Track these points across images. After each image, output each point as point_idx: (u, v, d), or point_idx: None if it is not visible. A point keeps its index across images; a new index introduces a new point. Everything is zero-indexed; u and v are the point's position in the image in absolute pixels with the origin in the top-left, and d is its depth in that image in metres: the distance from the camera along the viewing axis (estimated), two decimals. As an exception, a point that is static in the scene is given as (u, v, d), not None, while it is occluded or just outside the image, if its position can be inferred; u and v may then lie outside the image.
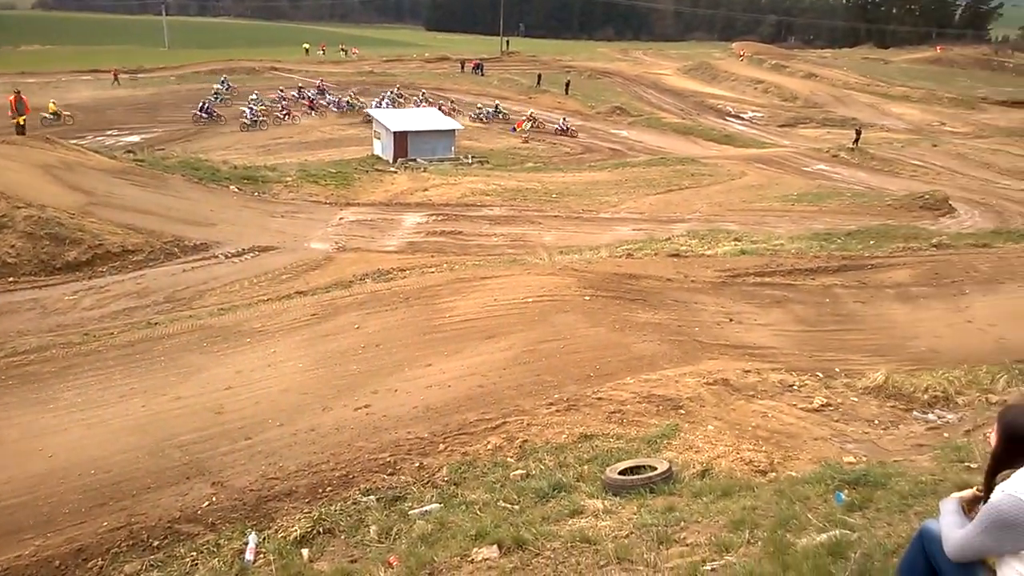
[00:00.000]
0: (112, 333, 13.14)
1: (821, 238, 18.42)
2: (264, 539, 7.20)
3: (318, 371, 10.98)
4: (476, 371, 10.72)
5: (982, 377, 9.77)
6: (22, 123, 24.96)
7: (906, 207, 24.88)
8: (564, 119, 45.19)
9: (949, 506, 3.20)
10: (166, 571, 6.94)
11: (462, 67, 69.39)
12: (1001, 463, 2.95)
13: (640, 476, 7.24)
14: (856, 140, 40.71)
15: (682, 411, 9.26)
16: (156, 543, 7.46)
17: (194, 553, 7.20)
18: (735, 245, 17.23)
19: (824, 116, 56.52)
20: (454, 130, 35.96)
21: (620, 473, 7.36)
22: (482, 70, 67.29)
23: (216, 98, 47.09)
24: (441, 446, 8.91)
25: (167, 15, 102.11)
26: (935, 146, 40.99)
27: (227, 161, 28.31)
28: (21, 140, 22.85)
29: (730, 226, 21.91)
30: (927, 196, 26.11)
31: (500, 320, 12.44)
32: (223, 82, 53.31)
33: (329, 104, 46.97)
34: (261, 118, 41.74)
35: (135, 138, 36.85)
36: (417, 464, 8.54)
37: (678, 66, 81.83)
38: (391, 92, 49.83)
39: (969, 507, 3.15)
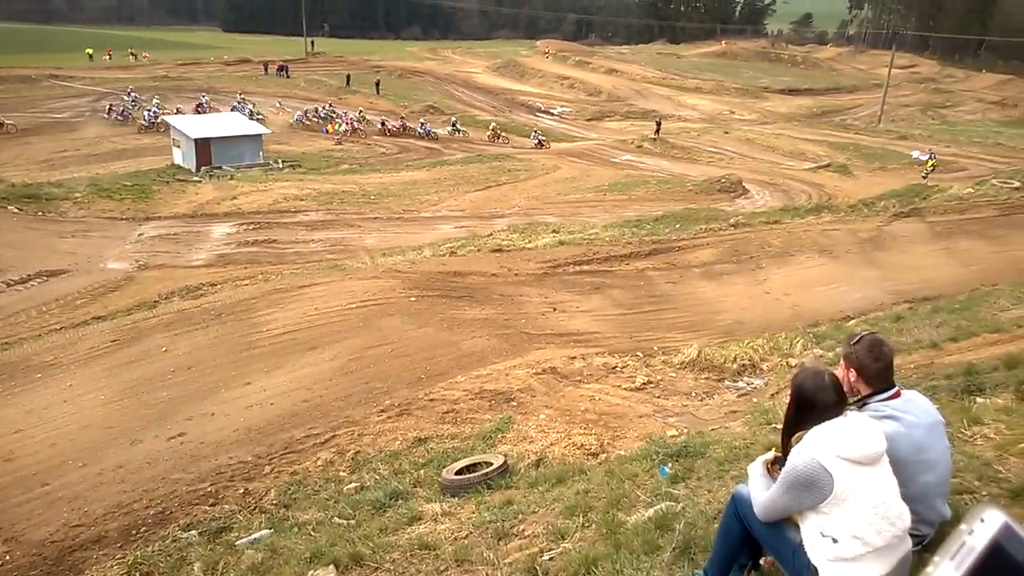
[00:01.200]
0: None
1: (632, 225, 19.38)
2: (68, 595, 6.47)
3: (123, 402, 10.03)
4: (300, 385, 10.25)
5: (782, 343, 10.62)
6: None
7: (705, 191, 26.76)
8: (423, 123, 44.72)
9: (755, 470, 3.36)
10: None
11: (265, 69, 66.43)
12: (795, 424, 3.12)
13: (476, 474, 7.20)
14: (657, 131, 43.34)
15: (514, 403, 9.33)
16: (-64, 619, 6.49)
17: (-12, 622, 6.36)
18: (554, 237, 17.73)
19: (627, 109, 59.71)
20: (261, 135, 34.40)
21: (456, 473, 7.28)
22: (287, 72, 64.82)
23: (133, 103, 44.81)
24: (267, 468, 8.43)
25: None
26: (727, 133, 44.55)
27: (3, 179, 25.32)
28: None
29: (548, 218, 22.55)
30: (723, 180, 28.29)
31: (322, 329, 11.99)
32: None
33: (117, 112, 43.20)
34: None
35: None
36: (242, 490, 8.02)
37: (487, 64, 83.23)
38: (239, 98, 47.08)
39: (772, 468, 3.32)
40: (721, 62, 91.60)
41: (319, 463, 8.42)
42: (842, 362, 3.32)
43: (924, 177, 28.19)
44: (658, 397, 9.24)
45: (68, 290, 15.58)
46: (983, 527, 0.59)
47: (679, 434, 7.46)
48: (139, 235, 20.35)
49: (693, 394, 9.25)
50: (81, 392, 10.38)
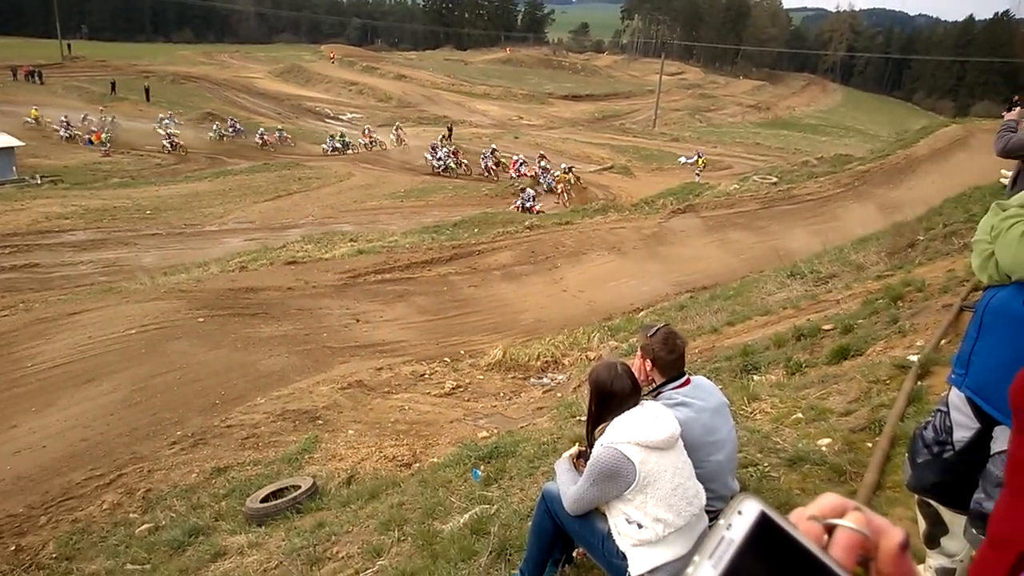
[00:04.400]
0: None
1: (431, 231, 19.48)
2: None
3: None
4: (77, 423, 9.28)
5: (580, 338, 11.15)
6: None
7: (500, 195, 27.47)
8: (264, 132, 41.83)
9: (562, 466, 3.49)
10: None
11: (14, 74, 59.23)
12: (598, 417, 3.26)
13: (284, 499, 6.91)
14: (449, 136, 43.91)
15: (320, 421, 9.05)
16: None
17: None
18: (352, 246, 17.38)
19: (419, 115, 59.95)
20: (12, 147, 30.68)
21: (262, 501, 6.94)
22: (40, 77, 58.27)
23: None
24: (43, 519, 7.58)
25: None
26: (517, 138, 46.08)
27: None
28: None
29: (345, 227, 22.08)
30: (517, 184, 29.19)
31: (99, 359, 10.92)
32: None
33: None
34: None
35: None
36: (13, 547, 7.14)
37: (268, 69, 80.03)
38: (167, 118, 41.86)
39: (578, 463, 3.46)
40: (507, 68, 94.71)
41: (104, 506, 7.69)
42: (638, 353, 3.51)
43: (697, 175, 30.84)
44: (467, 400, 9.36)
45: None
46: (741, 519, 0.61)
47: (490, 435, 7.60)
48: None
49: (501, 394, 9.47)
50: None
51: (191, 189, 28.75)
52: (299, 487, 7.05)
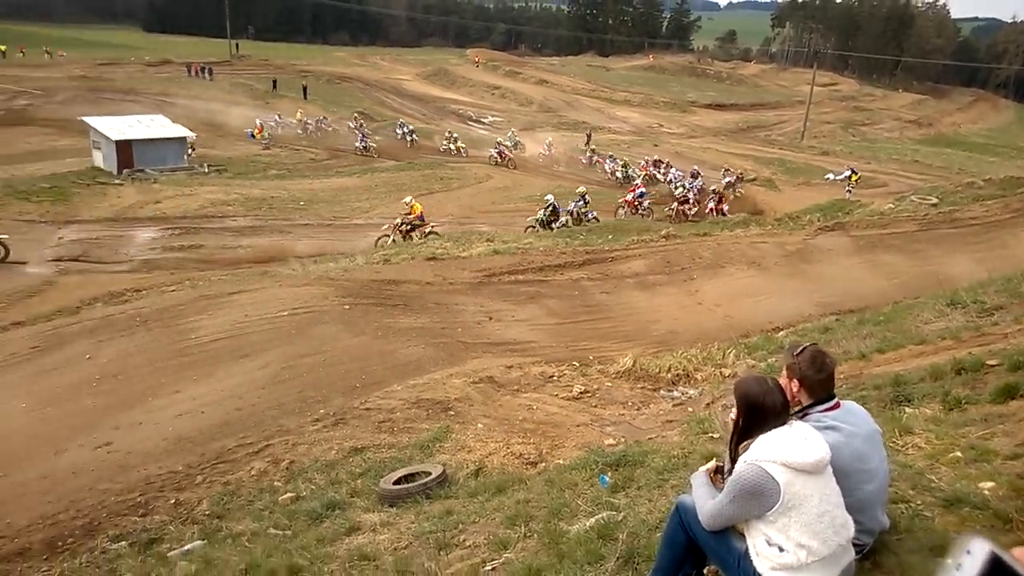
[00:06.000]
0: None
1: (565, 235, 19.63)
2: (-4, 614, 6.20)
3: (46, 410, 9.63)
4: (232, 394, 10.03)
5: (715, 353, 10.89)
6: None
7: (635, 203, 27.25)
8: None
9: (699, 479, 3.44)
10: None
11: (189, 71, 64.59)
12: (743, 434, 3.20)
13: (415, 483, 7.18)
14: (588, 142, 43.99)
15: (451, 412, 9.34)
16: None
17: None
18: (488, 246, 17.79)
19: (558, 120, 60.42)
20: (185, 137, 33.41)
21: (395, 483, 7.24)
22: (210, 74, 63.17)
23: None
24: (199, 478, 8.23)
25: None
26: (656, 146, 45.54)
27: (-92, 182, 23.94)
28: None
29: (482, 227, 22.61)
30: (654, 192, 28.91)
31: (254, 337, 11.75)
32: None
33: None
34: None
35: None
36: (173, 501, 7.82)
37: (417, 71, 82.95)
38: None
39: (715, 478, 3.42)
40: (649, 75, 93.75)
41: (253, 473, 8.26)
42: (784, 372, 3.42)
43: (849, 192, 29.39)
44: (595, 406, 9.38)
45: (-19, 295, 14.86)
46: (970, 559, 0.62)
47: (617, 443, 7.60)
48: (59, 239, 19.51)
49: (629, 403, 9.43)
50: (1, 400, 9.91)
51: (341, 184, 30.32)
52: (430, 474, 7.31)
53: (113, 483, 8.14)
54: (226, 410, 9.59)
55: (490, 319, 13.23)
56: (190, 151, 33.39)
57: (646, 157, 34.63)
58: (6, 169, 29.51)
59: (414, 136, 43.72)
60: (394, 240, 20.86)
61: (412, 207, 21.74)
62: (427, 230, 21.44)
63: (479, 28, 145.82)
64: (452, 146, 40.70)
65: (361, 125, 44.93)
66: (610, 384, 10.18)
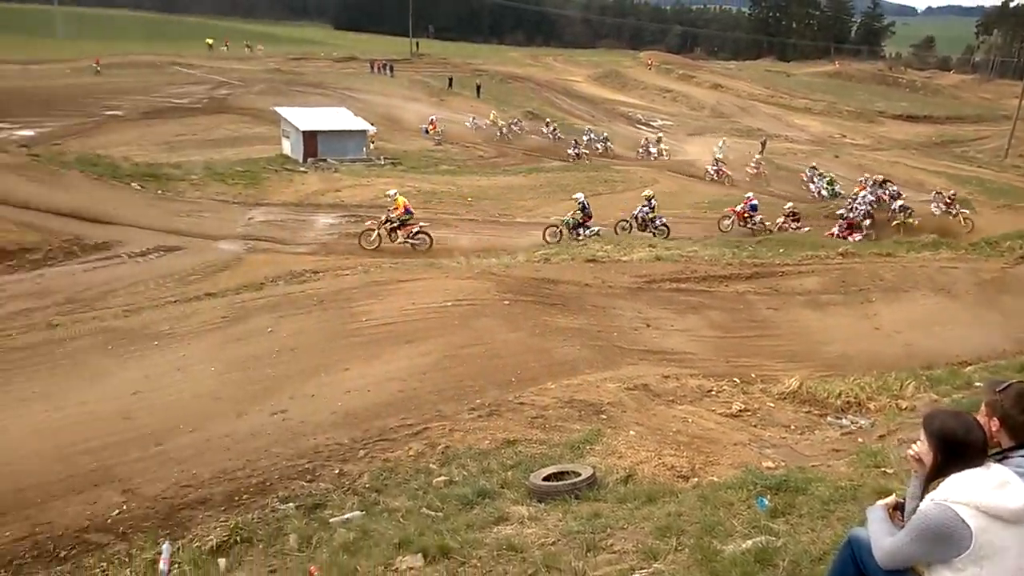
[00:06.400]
0: (10, 335, 12.35)
1: (733, 245, 19.00)
2: (178, 549, 6.85)
3: (231, 375, 10.54)
4: (395, 376, 10.51)
5: (891, 383, 10.13)
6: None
7: (812, 216, 25.94)
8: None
9: (876, 514, 3.22)
10: (76, 583, 6.50)
11: (371, 67, 68.38)
12: (940, 471, 2.94)
13: (565, 482, 7.21)
14: (762, 150, 42.35)
15: (604, 416, 9.30)
16: (63, 553, 7.04)
17: (104, 564, 6.83)
18: (650, 251, 17.55)
19: (731, 126, 58.55)
20: (365, 131, 35.38)
21: (544, 479, 7.31)
22: (391, 71, 66.47)
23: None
24: (361, 452, 8.69)
25: (60, 4, 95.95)
26: (837, 157, 43.05)
27: (128, 158, 26.97)
28: None
29: (645, 232, 22.33)
30: (832, 206, 27.32)
31: (418, 324, 12.25)
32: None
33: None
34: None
35: (28, 132, 34.59)
36: (337, 471, 8.30)
37: (588, 73, 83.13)
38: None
39: (893, 514, 3.19)
40: (833, 83, 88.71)
41: (411, 453, 8.62)
42: (983, 409, 3.14)
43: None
44: (755, 426, 9.04)
45: (183, 266, 16.48)
46: None
47: (777, 467, 7.28)
48: (249, 219, 21.29)
49: (792, 427, 9.00)
50: (193, 362, 10.98)
51: (507, 182, 30.97)
52: (579, 474, 7.32)
53: (286, 448, 8.76)
54: (390, 391, 10.07)
55: (648, 326, 13.06)
56: (371, 144, 35.27)
57: (865, 175, 31.58)
58: (207, 152, 32.53)
59: (609, 144, 43.20)
60: (379, 235, 19.66)
61: (395, 201, 20.05)
62: (414, 230, 19.92)
63: (654, 30, 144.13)
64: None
65: (554, 130, 44.57)
66: (772, 405, 9.75)
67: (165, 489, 7.98)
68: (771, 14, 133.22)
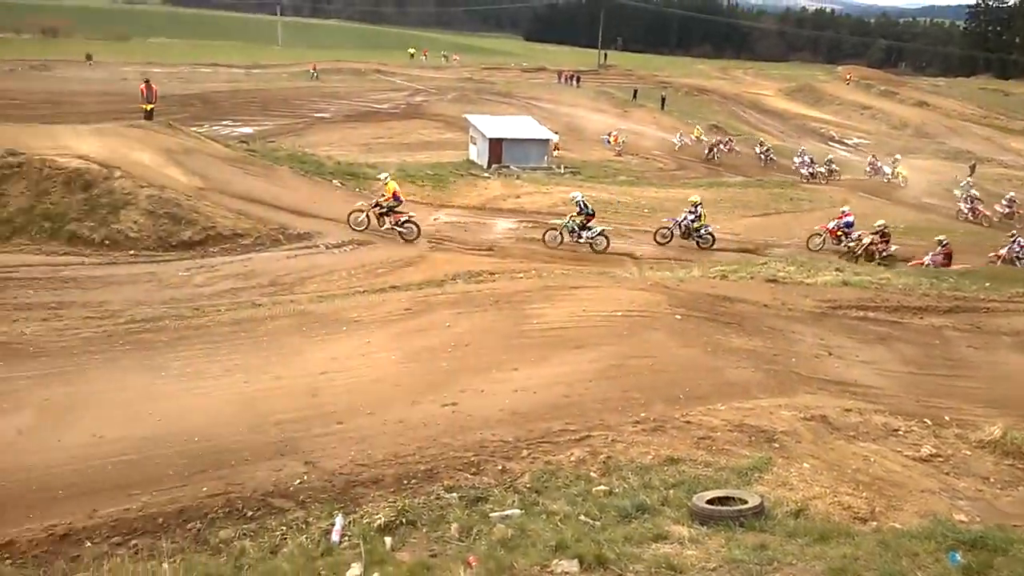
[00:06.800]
0: (220, 310, 13.70)
1: (931, 275, 17.52)
2: (350, 522, 7.29)
3: (409, 365, 11.11)
4: (562, 380, 10.61)
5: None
6: (149, 109, 26.22)
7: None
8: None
9: None
10: (257, 541, 7.12)
11: (559, 78, 69.55)
12: None
13: (730, 508, 7.00)
14: (971, 173, 38.74)
15: (776, 444, 8.91)
16: (250, 513, 7.71)
17: (284, 528, 7.39)
18: (837, 275, 16.53)
19: (935, 147, 53.99)
20: (548, 139, 36.02)
21: (708, 502, 7.13)
22: (578, 82, 67.21)
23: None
24: (524, 452, 8.85)
25: (281, 15, 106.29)
26: (1059, 186, 38.51)
27: (331, 157, 29.21)
28: (147, 125, 24.10)
29: (831, 255, 21.12)
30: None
31: (588, 331, 12.30)
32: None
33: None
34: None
35: (248, 129, 38.42)
36: (500, 467, 8.51)
37: (779, 87, 79.82)
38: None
39: None
40: (1063, 105, 79.33)
41: (572, 459, 8.68)
42: None
43: None
44: (947, 474, 8.30)
45: (372, 259, 17.56)
46: None
47: (971, 521, 6.64)
48: (434, 219, 22.33)
49: (992, 480, 8.19)
50: (376, 349, 11.67)
51: (686, 195, 30.31)
52: (746, 502, 7.07)
53: (454, 439, 9.10)
54: (555, 395, 10.18)
55: (829, 354, 12.31)
56: (554, 152, 35.84)
57: None
58: (401, 155, 34.51)
59: (771, 155, 41.91)
60: (367, 217, 20.00)
61: (386, 186, 20.55)
62: (403, 219, 20.11)
63: (854, 43, 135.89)
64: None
65: (767, 151, 42.66)
66: (969, 453, 8.91)
67: (342, 465, 8.53)
68: (991, 28, 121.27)
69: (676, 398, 10.20)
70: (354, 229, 20.03)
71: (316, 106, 47.86)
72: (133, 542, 7.40)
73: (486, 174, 31.37)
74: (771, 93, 75.89)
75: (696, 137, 44.23)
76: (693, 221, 21.93)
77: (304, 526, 7.37)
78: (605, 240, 20.59)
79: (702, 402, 10.08)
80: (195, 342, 12.05)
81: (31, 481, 8.25)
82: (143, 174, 19.41)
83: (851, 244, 22.35)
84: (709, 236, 22.01)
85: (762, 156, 42.07)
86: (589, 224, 20.78)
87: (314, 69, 61.44)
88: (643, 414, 9.69)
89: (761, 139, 46.68)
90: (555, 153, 35.86)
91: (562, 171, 34.26)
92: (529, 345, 11.79)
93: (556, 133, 38.40)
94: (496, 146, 33.36)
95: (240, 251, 17.92)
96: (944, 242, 21.20)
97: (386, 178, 21.20)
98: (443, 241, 20.47)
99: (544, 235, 20.97)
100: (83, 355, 11.57)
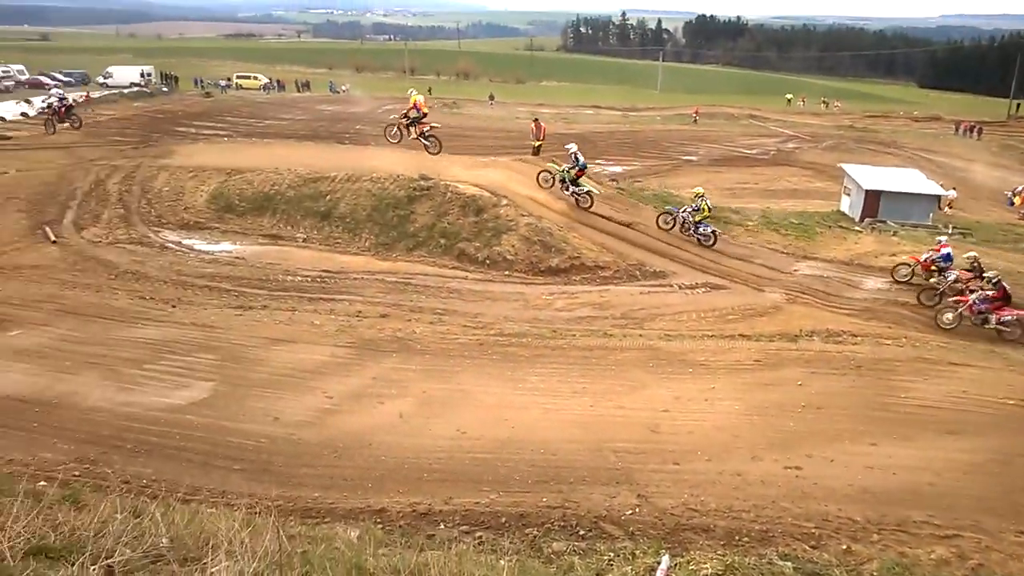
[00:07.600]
0: (575, 335, 14.63)
1: None
2: (676, 565, 7.29)
3: (752, 418, 10.81)
4: (929, 466, 9.52)
5: None
6: (537, 146, 28.97)
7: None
8: None
9: None
10: (586, 560, 7.47)
11: (956, 129, 61.84)
12: None
13: None
14: None
15: None
16: (582, 532, 8.18)
17: (612, 554, 7.67)
18: None
19: None
20: (937, 195, 32.23)
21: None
22: (980, 134, 59.01)
23: None
24: (875, 536, 8.13)
25: (663, 61, 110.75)
26: None
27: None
28: (534, 160, 26.71)
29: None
30: None
31: (968, 416, 10.86)
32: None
33: None
34: None
35: (618, 168, 40.48)
36: (845, 547, 7.93)
37: None
38: None
39: None
40: None
41: (932, 556, 7.76)
42: None
43: None
44: None
45: (724, 304, 17.28)
46: None
47: None
48: (794, 270, 21.30)
49: None
50: (720, 396, 11.55)
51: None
52: None
53: (794, 505, 8.66)
54: (919, 481, 9.17)
55: None
56: (947, 208, 32.00)
57: None
58: (766, 201, 33.49)
59: None
60: (399, 130, 23.05)
61: (411, 99, 23.19)
62: (425, 130, 22.91)
63: None
64: None
65: None
66: None
67: (674, 506, 8.61)
68: None
69: (1079, 514, 8.51)
70: (389, 141, 23.79)
71: (685, 149, 48.71)
72: (478, 534, 8.26)
73: (857, 228, 29.06)
74: None
75: None
76: (692, 214, 20.99)
77: (631, 557, 7.55)
78: (590, 199, 21.54)
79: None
80: (551, 361, 13.06)
81: (405, 461, 9.67)
82: (524, 204, 21.57)
83: (937, 282, 18.30)
84: (711, 236, 20.98)
85: None
86: (579, 180, 21.57)
87: (696, 113, 62.67)
88: (1032, 524, 8.26)
89: None
90: (947, 210, 31.95)
91: (950, 231, 30.38)
92: (891, 420, 10.74)
93: (954, 189, 34.17)
94: (872, 199, 30.73)
95: (599, 282, 18.90)
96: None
97: (412, 92, 24.07)
98: (802, 294, 19.43)
99: (538, 176, 22.62)
100: (459, 358, 13.22)
